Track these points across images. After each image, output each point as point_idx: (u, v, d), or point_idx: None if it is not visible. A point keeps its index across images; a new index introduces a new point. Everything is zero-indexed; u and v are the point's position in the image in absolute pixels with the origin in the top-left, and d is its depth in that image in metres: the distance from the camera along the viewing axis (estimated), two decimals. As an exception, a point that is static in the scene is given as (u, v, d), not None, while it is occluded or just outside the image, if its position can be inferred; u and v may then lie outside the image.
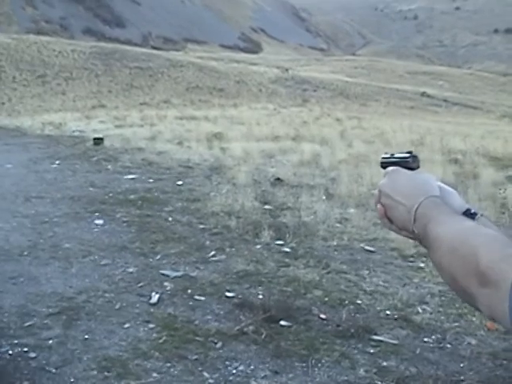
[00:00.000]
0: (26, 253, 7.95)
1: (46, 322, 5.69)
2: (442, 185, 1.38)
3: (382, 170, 1.45)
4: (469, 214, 1.30)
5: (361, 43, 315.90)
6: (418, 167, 1.41)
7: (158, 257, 7.85)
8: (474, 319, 5.95)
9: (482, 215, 1.30)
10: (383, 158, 1.47)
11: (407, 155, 1.41)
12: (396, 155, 1.44)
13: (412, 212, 1.29)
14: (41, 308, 6.01)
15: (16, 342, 5.25)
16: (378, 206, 1.40)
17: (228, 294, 6.46)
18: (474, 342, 5.50)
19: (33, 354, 5.01)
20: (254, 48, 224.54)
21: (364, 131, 28.82)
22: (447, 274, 1.16)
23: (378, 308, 6.21)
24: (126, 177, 14.41)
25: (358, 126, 33.27)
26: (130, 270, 7.28)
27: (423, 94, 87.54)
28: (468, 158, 17.84)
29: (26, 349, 5.12)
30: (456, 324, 5.87)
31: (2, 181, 13.75)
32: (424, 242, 1.26)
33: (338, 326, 5.70)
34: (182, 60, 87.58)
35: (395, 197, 1.35)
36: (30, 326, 5.59)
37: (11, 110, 49.60)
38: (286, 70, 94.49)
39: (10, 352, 5.06)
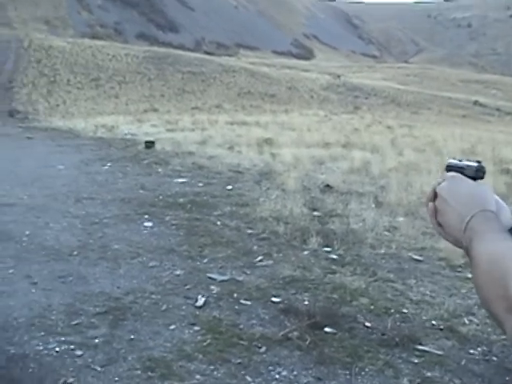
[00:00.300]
0: (75, 253, 8.07)
1: (92, 321, 5.77)
2: (498, 199, 1.36)
3: (445, 173, 1.44)
4: None
5: (413, 50, 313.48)
6: (482, 178, 1.38)
7: (206, 260, 7.89)
8: (521, 331, 5.85)
9: None
10: (450, 163, 1.45)
11: (475, 164, 1.39)
12: (464, 162, 1.42)
13: (464, 222, 1.28)
14: (88, 307, 6.09)
15: (63, 339, 5.34)
16: (430, 204, 1.39)
17: (274, 299, 6.47)
18: (521, 354, 5.44)
19: (79, 352, 5.09)
20: (307, 54, 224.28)
21: (415, 139, 28.60)
22: (481, 294, 1.15)
23: (424, 318, 6.17)
24: (176, 180, 14.50)
25: (409, 134, 33.01)
26: (177, 272, 7.33)
27: (476, 103, 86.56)
28: (520, 169, 17.60)
29: (72, 346, 5.20)
30: (503, 336, 5.78)
31: (54, 181, 13.96)
32: (468, 255, 1.25)
33: (383, 334, 5.68)
34: (234, 65, 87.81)
35: (451, 203, 1.34)
36: (77, 324, 5.68)
37: (65, 112, 50.21)
38: (338, 76, 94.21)
39: (57, 349, 5.15)
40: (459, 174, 1.39)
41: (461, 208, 1.31)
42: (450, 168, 1.43)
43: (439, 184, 1.41)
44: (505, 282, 1.05)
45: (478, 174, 1.37)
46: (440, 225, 1.38)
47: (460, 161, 1.43)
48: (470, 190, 1.34)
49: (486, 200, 1.31)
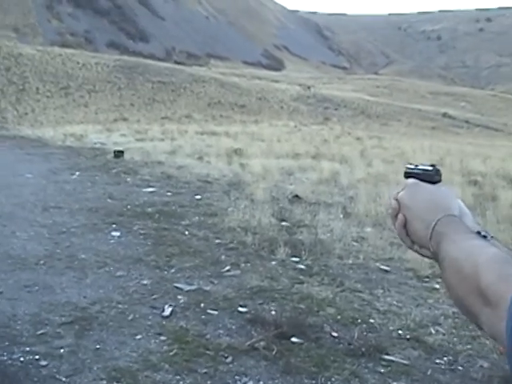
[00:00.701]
0: (42, 262, 8.01)
1: (58, 330, 5.72)
2: (460, 203, 1.37)
3: (404, 180, 1.45)
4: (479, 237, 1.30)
5: (383, 62, 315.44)
6: (440, 181, 1.40)
7: (173, 270, 7.87)
8: (487, 342, 5.90)
9: (492, 237, 1.27)
10: (408, 168, 1.47)
11: (430, 168, 1.41)
12: (420, 167, 1.44)
13: (430, 228, 1.29)
14: (54, 317, 6.05)
15: (28, 349, 5.29)
16: (400, 215, 1.39)
17: (241, 309, 6.47)
18: (486, 365, 5.47)
19: (44, 362, 5.05)
20: (277, 65, 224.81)
21: (384, 151, 28.78)
22: (454, 293, 1.17)
23: (391, 328, 6.19)
24: (144, 190, 14.46)
25: (378, 145, 33.22)
26: (145, 282, 7.31)
27: (445, 115, 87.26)
28: (488, 180, 17.74)
29: (37, 356, 5.15)
30: (469, 346, 5.84)
31: (22, 190, 13.84)
32: (437, 259, 1.26)
33: (350, 344, 5.69)
34: (204, 75, 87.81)
35: (414, 210, 1.35)
36: (42, 334, 5.63)
37: (34, 120, 49.92)
38: (308, 87, 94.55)
39: (22, 359, 5.10)
40: (418, 181, 1.40)
41: (424, 214, 1.32)
42: (408, 174, 1.45)
43: (399, 193, 1.42)
44: (477, 277, 1.07)
45: (435, 177, 1.39)
46: (407, 234, 1.38)
47: (416, 166, 1.44)
48: (431, 195, 1.36)
49: (448, 205, 1.33)
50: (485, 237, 1.25)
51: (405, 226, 1.38)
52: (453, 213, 1.31)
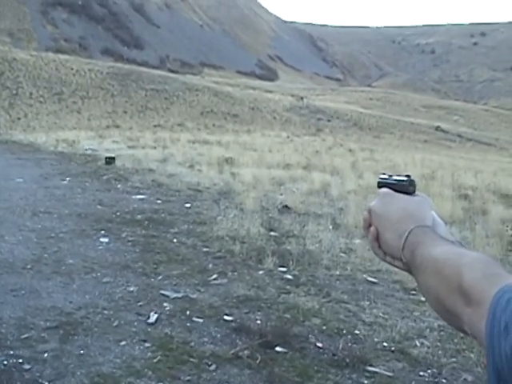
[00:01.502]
0: (29, 266, 8.01)
1: (43, 335, 5.72)
2: (434, 214, 1.36)
3: (378, 190, 1.44)
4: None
5: (377, 75, 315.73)
6: (415, 192, 1.39)
7: (160, 277, 7.88)
8: (471, 355, 5.91)
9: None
10: (381, 178, 1.45)
11: (405, 178, 1.39)
12: (394, 177, 1.42)
13: (402, 239, 1.29)
14: (39, 321, 6.04)
15: (12, 353, 5.29)
16: (372, 228, 1.39)
17: (226, 318, 6.47)
18: (470, 378, 5.47)
19: (27, 366, 5.04)
20: (271, 75, 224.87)
21: (376, 163, 28.80)
22: (433, 296, 1.16)
23: (376, 339, 6.20)
24: (134, 197, 14.47)
25: (370, 157, 33.27)
26: (131, 288, 7.31)
27: (437, 129, 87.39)
28: (478, 194, 17.78)
29: (20, 360, 5.15)
30: (453, 359, 5.84)
31: (12, 194, 13.85)
32: (411, 267, 1.26)
33: (334, 355, 5.69)
34: (197, 84, 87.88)
35: (386, 220, 1.35)
36: (26, 338, 5.63)
37: (26, 125, 49.93)
38: (301, 98, 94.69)
39: (5, 362, 5.10)
40: (390, 190, 1.39)
41: (397, 224, 1.32)
42: (381, 184, 1.44)
43: (371, 203, 1.42)
44: (459, 276, 1.06)
45: (409, 188, 1.38)
46: (379, 246, 1.38)
47: (390, 176, 1.43)
48: (403, 205, 1.35)
49: (422, 215, 1.33)
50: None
51: (377, 238, 1.38)
52: (426, 223, 1.31)
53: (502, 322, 0.93)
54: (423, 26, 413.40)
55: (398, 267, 1.34)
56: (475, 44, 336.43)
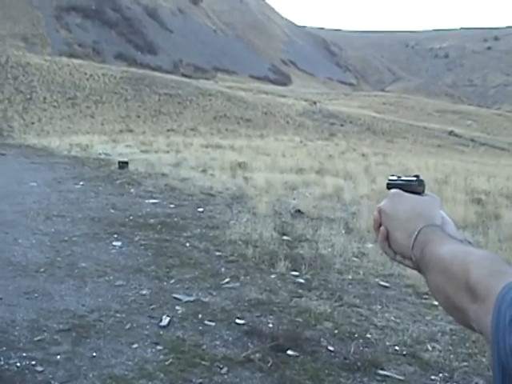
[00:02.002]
0: (42, 269, 8.05)
1: (55, 337, 5.75)
2: (443, 213, 1.37)
3: (388, 191, 1.45)
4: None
5: (390, 79, 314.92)
6: (424, 192, 1.40)
7: (172, 281, 7.90)
8: (483, 359, 5.90)
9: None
10: (390, 179, 1.47)
11: (413, 179, 1.40)
12: (403, 178, 1.43)
13: (412, 238, 1.30)
14: (52, 324, 6.08)
15: (25, 355, 5.32)
16: (382, 228, 1.40)
17: (238, 321, 6.48)
18: (481, 382, 5.46)
19: (40, 368, 5.07)
20: (284, 80, 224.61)
21: (389, 167, 28.74)
22: (441, 293, 1.18)
23: (387, 343, 6.19)
24: (147, 201, 14.51)
25: (383, 162, 33.22)
26: (144, 292, 7.33)
27: (451, 133, 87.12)
28: (491, 199, 17.74)
29: (33, 362, 5.18)
30: (465, 363, 5.83)
31: (25, 198, 13.92)
32: (420, 265, 1.27)
33: (346, 358, 5.70)
34: (211, 89, 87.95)
35: (395, 219, 1.36)
36: (39, 340, 5.66)
37: (40, 129, 50.11)
38: (314, 103, 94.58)
39: (18, 364, 5.13)
40: (400, 191, 1.40)
41: (406, 223, 1.34)
42: (390, 185, 1.45)
43: (381, 203, 1.43)
44: (467, 273, 1.08)
45: (418, 188, 1.39)
46: (389, 246, 1.40)
47: (399, 177, 1.44)
48: (413, 204, 1.36)
49: (431, 214, 1.34)
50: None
51: (387, 238, 1.40)
52: (435, 222, 1.32)
53: (507, 317, 0.95)
54: (437, 30, 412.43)
55: (407, 266, 1.36)
56: (489, 48, 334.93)
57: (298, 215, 13.55)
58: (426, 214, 1.34)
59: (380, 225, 1.41)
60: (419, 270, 1.30)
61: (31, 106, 61.51)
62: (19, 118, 54.65)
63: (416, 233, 1.30)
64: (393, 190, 1.43)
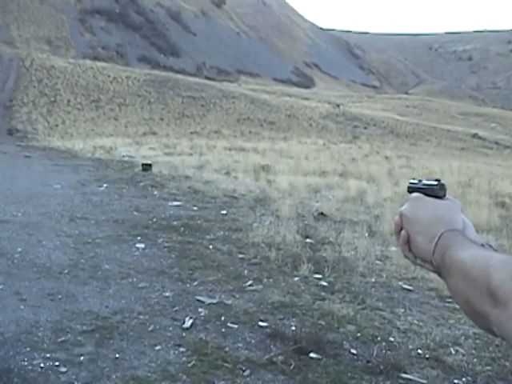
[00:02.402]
0: (66, 271, 8.10)
1: (79, 338, 5.78)
2: (464, 217, 1.36)
3: (408, 195, 1.43)
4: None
5: (414, 82, 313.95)
6: (445, 196, 1.38)
7: (196, 283, 7.91)
8: (507, 364, 5.86)
9: (495, 250, 1.25)
10: (411, 183, 1.45)
11: (435, 183, 1.39)
12: (424, 182, 1.41)
13: (433, 243, 1.29)
14: (75, 325, 6.11)
15: (48, 355, 5.35)
16: (403, 232, 1.38)
17: (261, 324, 6.48)
18: (504, 386, 5.44)
19: (63, 369, 5.10)
20: (307, 83, 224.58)
21: (412, 170, 28.66)
22: (462, 298, 1.17)
23: (410, 346, 6.17)
24: (171, 203, 14.54)
25: (406, 165, 33.10)
26: (167, 294, 7.35)
27: (475, 136, 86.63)
28: (515, 202, 17.64)
29: (57, 363, 5.21)
30: (488, 368, 5.79)
31: (49, 200, 14.01)
32: (441, 270, 1.26)
33: (368, 361, 5.68)
34: (234, 91, 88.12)
35: (416, 223, 1.35)
36: (63, 341, 5.70)
37: (64, 132, 50.42)
38: (338, 105, 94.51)
39: (42, 365, 5.16)
40: (421, 195, 1.39)
41: (427, 228, 1.32)
42: (411, 189, 1.43)
43: (402, 207, 1.43)
44: (488, 278, 1.07)
45: (439, 192, 1.37)
46: (410, 250, 1.39)
47: (420, 181, 1.42)
48: (434, 208, 1.35)
49: (452, 218, 1.33)
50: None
51: (407, 241, 1.39)
52: (456, 227, 1.31)
53: None
54: (460, 32, 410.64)
55: (428, 269, 1.35)
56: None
57: (321, 218, 13.53)
58: (447, 219, 1.33)
59: (401, 229, 1.41)
60: (440, 275, 1.29)
61: (55, 108, 61.94)
62: (43, 121, 55.05)
63: (437, 238, 1.29)
64: (414, 194, 1.41)
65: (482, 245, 1.25)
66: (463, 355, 6.04)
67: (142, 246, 9.92)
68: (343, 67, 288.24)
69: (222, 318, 6.59)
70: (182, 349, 5.70)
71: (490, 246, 1.27)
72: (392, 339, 6.34)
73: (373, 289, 8.28)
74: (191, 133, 56.55)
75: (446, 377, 5.54)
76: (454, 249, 1.23)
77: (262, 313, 6.88)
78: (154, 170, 21.79)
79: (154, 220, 12.31)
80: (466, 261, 1.17)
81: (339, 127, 76.60)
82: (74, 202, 14.13)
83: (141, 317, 6.48)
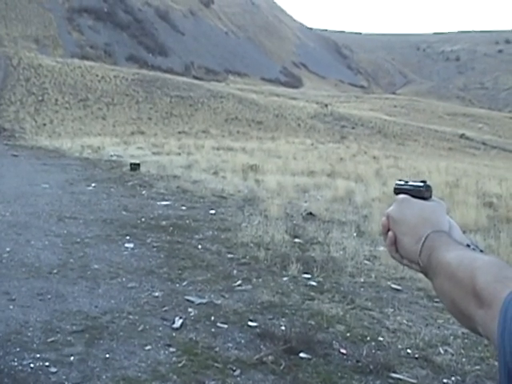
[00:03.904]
0: (55, 271, 8.09)
1: (69, 338, 5.78)
2: (449, 218, 1.38)
3: (395, 196, 1.45)
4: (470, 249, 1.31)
5: (401, 82, 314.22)
6: (431, 197, 1.40)
7: (185, 283, 7.92)
8: (495, 363, 5.86)
9: (481, 251, 1.28)
10: (397, 184, 1.47)
11: (421, 184, 1.40)
12: (410, 183, 1.43)
13: (419, 244, 1.31)
14: (65, 325, 6.11)
15: (38, 356, 5.35)
16: (390, 233, 1.41)
17: (250, 324, 6.49)
18: (493, 386, 5.46)
19: (53, 369, 5.10)
20: (295, 82, 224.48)
21: (400, 170, 28.73)
22: (448, 299, 1.20)
23: (400, 346, 6.19)
24: (159, 203, 14.54)
25: (394, 165, 33.16)
26: (156, 294, 7.35)
27: (462, 136, 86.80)
28: (503, 202, 17.67)
29: (47, 363, 5.21)
30: (477, 367, 5.82)
31: (38, 200, 13.98)
32: (428, 271, 1.29)
33: (358, 361, 5.70)
34: (222, 91, 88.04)
35: (403, 225, 1.37)
36: (53, 341, 5.69)
37: (52, 131, 50.24)
38: (326, 105, 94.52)
39: (32, 365, 5.16)
40: (407, 196, 1.41)
41: (414, 229, 1.35)
42: (398, 190, 1.45)
43: (388, 209, 1.44)
44: (472, 280, 1.09)
45: (425, 193, 1.39)
46: (397, 251, 1.41)
47: (406, 182, 1.44)
48: (420, 210, 1.37)
49: (438, 219, 1.35)
50: (474, 249, 1.29)
51: (394, 242, 1.40)
52: (442, 228, 1.33)
53: None
54: (448, 33, 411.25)
55: (414, 269, 1.37)
56: (500, 51, 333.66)
57: (310, 218, 13.56)
58: (433, 220, 1.35)
59: (388, 230, 1.43)
60: (426, 275, 1.31)
61: (43, 107, 61.72)
62: (31, 120, 54.84)
63: (423, 239, 1.31)
64: (400, 196, 1.43)
65: (468, 245, 1.28)
66: (452, 355, 6.06)
67: (131, 245, 9.91)
68: (331, 67, 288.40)
69: (212, 318, 6.59)
70: (172, 349, 5.70)
71: (476, 246, 1.29)
72: (381, 339, 6.36)
73: (362, 289, 8.30)
74: (179, 132, 56.47)
75: (435, 376, 5.56)
76: (439, 250, 1.25)
77: (252, 313, 6.89)
78: (142, 169, 21.77)
79: (143, 220, 12.30)
80: (452, 262, 1.19)
81: (327, 127, 76.62)
82: (62, 201, 14.10)
83: (130, 317, 6.48)
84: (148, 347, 5.71)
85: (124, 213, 13.03)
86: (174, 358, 5.49)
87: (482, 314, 1.07)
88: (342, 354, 5.89)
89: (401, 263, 1.41)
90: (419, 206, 1.38)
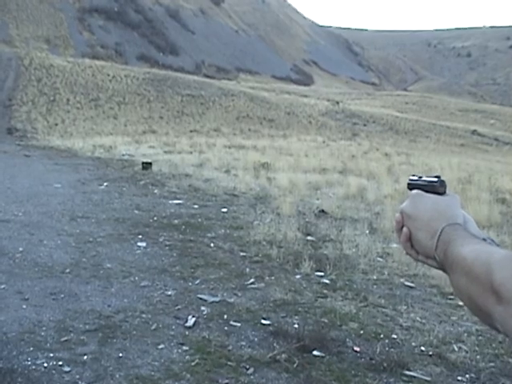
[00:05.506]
0: (68, 270, 8.09)
1: (82, 338, 5.78)
2: (464, 212, 1.36)
3: (408, 192, 1.44)
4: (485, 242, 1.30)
5: (413, 79, 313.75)
6: (445, 192, 1.38)
7: (197, 281, 7.91)
8: (510, 360, 5.86)
9: (497, 245, 1.26)
10: (411, 179, 1.45)
11: (435, 179, 1.39)
12: (424, 178, 1.42)
13: (435, 238, 1.29)
14: (78, 324, 6.10)
15: (52, 355, 5.35)
16: (404, 229, 1.39)
17: (264, 322, 6.48)
18: (508, 383, 5.43)
19: (67, 368, 5.09)
20: (306, 80, 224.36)
21: (412, 167, 28.66)
22: (465, 294, 1.18)
23: (413, 344, 6.17)
24: (171, 202, 14.54)
25: (406, 161, 33.10)
26: (169, 292, 7.35)
27: (474, 132, 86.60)
28: (516, 198, 17.63)
29: (60, 362, 5.20)
30: (491, 364, 5.79)
31: (50, 199, 14.00)
32: (445, 266, 1.27)
33: (371, 359, 5.68)
34: (233, 89, 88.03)
35: (417, 220, 1.35)
36: (66, 340, 5.69)
37: (64, 131, 50.34)
38: (337, 103, 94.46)
39: (45, 365, 5.15)
40: (420, 191, 1.40)
41: (428, 224, 1.33)
42: (411, 186, 1.44)
43: (402, 204, 1.43)
44: (489, 276, 1.07)
45: (439, 188, 1.38)
46: (412, 247, 1.39)
47: (420, 177, 1.43)
48: (434, 205, 1.35)
49: (452, 213, 1.33)
50: (490, 244, 1.27)
51: (409, 239, 1.39)
52: (457, 221, 1.31)
53: None
54: (459, 29, 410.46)
55: (431, 265, 1.35)
56: (511, 47, 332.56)
57: (322, 215, 13.53)
58: (447, 214, 1.33)
59: (402, 226, 1.41)
60: (443, 270, 1.29)
61: (54, 107, 61.84)
62: (43, 120, 54.96)
63: (439, 233, 1.29)
64: (414, 191, 1.42)
65: (484, 239, 1.26)
66: (466, 352, 6.03)
67: (144, 244, 9.92)
68: (342, 64, 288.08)
69: (225, 317, 6.58)
70: (185, 347, 5.69)
71: (492, 240, 1.27)
72: (395, 336, 6.34)
73: (375, 286, 8.28)
74: (191, 131, 56.51)
75: (449, 374, 5.53)
76: (455, 244, 1.23)
77: (265, 311, 6.88)
78: (154, 168, 21.78)
79: (155, 218, 12.30)
80: (468, 257, 1.17)
81: (338, 124, 76.57)
82: (74, 200, 14.12)
83: (143, 316, 6.47)
84: (161, 346, 5.70)
85: (136, 212, 13.03)
86: (187, 357, 5.48)
87: (500, 310, 1.06)
88: (356, 351, 5.86)
89: (416, 259, 1.39)
90: (433, 200, 1.37)
